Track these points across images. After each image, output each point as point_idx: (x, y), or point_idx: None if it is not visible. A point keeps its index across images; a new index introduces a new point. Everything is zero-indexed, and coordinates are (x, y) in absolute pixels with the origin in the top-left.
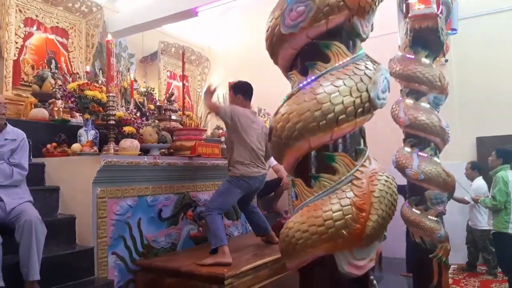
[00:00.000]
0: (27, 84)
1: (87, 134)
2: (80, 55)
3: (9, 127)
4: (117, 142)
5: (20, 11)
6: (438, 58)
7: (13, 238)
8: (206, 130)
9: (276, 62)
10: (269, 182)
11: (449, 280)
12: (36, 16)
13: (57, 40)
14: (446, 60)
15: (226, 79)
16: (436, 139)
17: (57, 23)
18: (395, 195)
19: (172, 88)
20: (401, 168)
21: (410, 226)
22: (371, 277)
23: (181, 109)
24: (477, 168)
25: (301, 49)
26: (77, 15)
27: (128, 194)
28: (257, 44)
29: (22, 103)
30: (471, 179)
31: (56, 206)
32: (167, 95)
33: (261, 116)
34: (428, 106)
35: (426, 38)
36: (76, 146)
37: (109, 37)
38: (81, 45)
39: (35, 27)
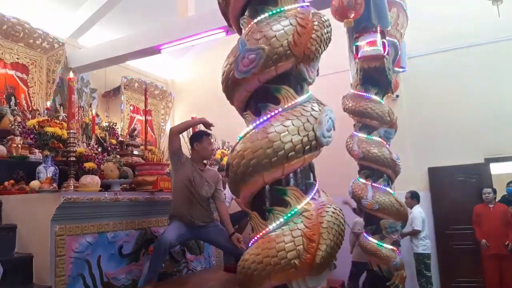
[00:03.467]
0: None
1: (46, 171)
2: (40, 90)
3: None
4: (77, 178)
5: None
6: (389, 94)
7: None
8: (168, 164)
9: (232, 103)
10: (233, 214)
11: None
12: None
13: (16, 75)
14: (397, 96)
15: (191, 112)
16: (388, 171)
17: (17, 58)
18: (343, 226)
19: (135, 123)
20: (357, 198)
21: (368, 254)
22: None
23: (143, 143)
24: (415, 197)
25: (254, 92)
26: (38, 51)
27: (88, 231)
28: (218, 78)
29: None
30: (410, 207)
31: (13, 245)
32: (129, 130)
33: (225, 149)
34: (379, 139)
35: (375, 76)
36: (34, 183)
37: (71, 74)
38: (41, 81)
39: None
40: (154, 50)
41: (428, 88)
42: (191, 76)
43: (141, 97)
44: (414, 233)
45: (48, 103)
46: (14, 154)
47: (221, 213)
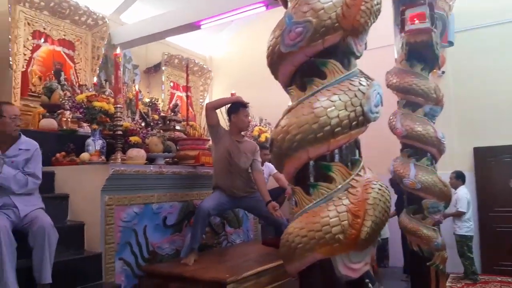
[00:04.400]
0: (35, 95)
1: (95, 144)
2: (86, 66)
3: (23, 137)
4: (123, 151)
5: (28, 24)
6: (434, 70)
7: (26, 243)
8: (209, 140)
9: (276, 78)
10: (271, 191)
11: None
12: (44, 29)
13: (64, 52)
14: (443, 72)
15: (229, 89)
16: (432, 149)
17: (64, 35)
18: (388, 203)
19: (176, 99)
20: (398, 177)
21: (408, 234)
22: (366, 280)
23: (185, 119)
24: (461, 178)
25: (300, 66)
26: (83, 28)
27: (134, 202)
28: (258, 54)
29: (30, 113)
30: (455, 187)
31: (66, 213)
32: (171, 106)
33: (263, 126)
34: (424, 117)
35: (421, 51)
36: (85, 155)
37: (118, 50)
38: (87, 57)
39: (42, 40)
40: (194, 26)
41: (475, 64)
42: (229, 52)
43: (181, 74)
44: (458, 215)
45: (95, 79)
46: (64, 127)
47: (258, 183)
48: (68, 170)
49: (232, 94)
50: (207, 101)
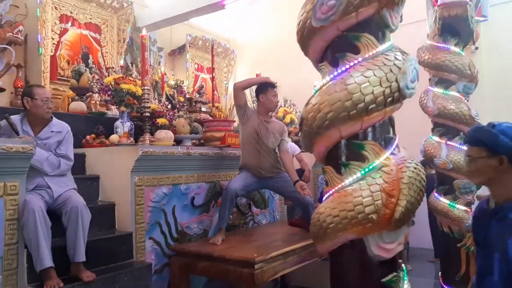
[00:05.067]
0: (64, 78)
1: (123, 126)
2: (112, 49)
3: (55, 120)
4: (151, 133)
5: (55, 8)
6: (468, 46)
7: (60, 222)
8: (234, 121)
9: (307, 54)
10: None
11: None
12: (71, 12)
13: (90, 35)
14: (476, 48)
15: (253, 70)
16: (465, 128)
17: (90, 19)
18: (423, 182)
19: (201, 81)
20: (429, 157)
21: (438, 216)
22: (400, 260)
23: (210, 101)
24: None
25: (332, 41)
26: (109, 11)
27: (163, 183)
28: (281, 35)
29: (60, 96)
30: None
31: (97, 194)
32: (197, 87)
33: (287, 107)
34: (457, 95)
35: (455, 26)
36: (114, 137)
37: (144, 32)
38: (113, 40)
39: (69, 24)
40: (218, 6)
41: (509, 40)
42: (253, 33)
43: (205, 55)
44: None
45: (121, 62)
46: (94, 110)
47: (286, 162)
48: (98, 152)
49: (257, 75)
50: (231, 82)
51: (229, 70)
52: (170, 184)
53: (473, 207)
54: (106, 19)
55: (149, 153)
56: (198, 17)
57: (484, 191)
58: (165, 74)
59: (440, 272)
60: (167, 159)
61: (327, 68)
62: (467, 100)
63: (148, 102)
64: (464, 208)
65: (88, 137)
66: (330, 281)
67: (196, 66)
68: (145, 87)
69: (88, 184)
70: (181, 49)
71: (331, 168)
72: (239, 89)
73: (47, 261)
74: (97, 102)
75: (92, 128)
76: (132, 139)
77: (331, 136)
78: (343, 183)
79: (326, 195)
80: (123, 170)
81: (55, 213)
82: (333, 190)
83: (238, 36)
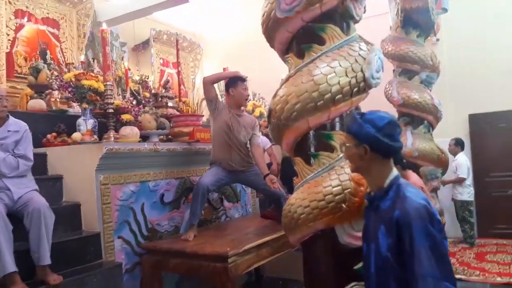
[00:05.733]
0: (21, 76)
1: (86, 123)
2: (72, 45)
3: (12, 119)
4: (115, 130)
5: (9, 2)
6: (429, 38)
7: (22, 225)
8: (203, 116)
9: (272, 46)
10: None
11: None
12: (27, 7)
13: (48, 31)
14: (438, 39)
15: (220, 64)
16: (429, 117)
17: (48, 13)
18: None
19: (167, 76)
20: None
21: None
22: None
23: (177, 95)
24: (460, 144)
25: (297, 33)
26: (67, 5)
27: (130, 180)
28: (248, 28)
29: (18, 95)
30: (454, 154)
31: (60, 194)
32: (163, 82)
33: (256, 101)
34: (420, 84)
35: (416, 18)
36: (77, 135)
37: (104, 26)
38: (72, 35)
39: (26, 19)
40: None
41: (469, 31)
42: (219, 27)
43: (170, 50)
44: (460, 181)
45: (82, 57)
46: (54, 108)
47: (256, 156)
48: (60, 151)
49: (224, 69)
50: (198, 77)
51: (195, 65)
52: (138, 181)
53: (439, 192)
54: (64, 14)
55: (114, 150)
56: (162, 11)
57: (448, 176)
58: (129, 69)
59: None
60: (133, 156)
61: (293, 59)
62: (430, 90)
63: (111, 98)
64: (430, 194)
65: (49, 135)
66: (303, 270)
67: (161, 61)
68: (108, 83)
69: (50, 184)
70: (145, 44)
71: (301, 159)
72: (209, 83)
73: (10, 265)
74: (58, 100)
75: (53, 126)
76: (96, 136)
77: (300, 127)
78: (312, 174)
79: (296, 186)
80: (88, 169)
81: (16, 216)
82: (303, 181)
83: (204, 30)
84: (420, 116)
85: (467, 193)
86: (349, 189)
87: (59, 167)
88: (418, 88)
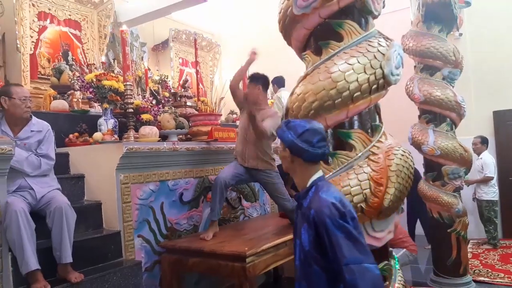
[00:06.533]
0: (45, 77)
1: (107, 123)
2: (93, 46)
3: (34, 119)
4: (136, 129)
5: (33, 5)
6: (452, 32)
7: (44, 224)
8: (221, 115)
9: (289, 44)
10: (279, 166)
11: (469, 254)
12: (49, 9)
13: (70, 32)
14: (460, 34)
15: (239, 63)
16: (451, 114)
17: (70, 15)
18: (412, 169)
19: (186, 75)
20: (417, 144)
21: (427, 202)
22: (390, 249)
23: (195, 95)
24: (485, 143)
25: (314, 29)
26: (88, 7)
27: (150, 179)
28: (266, 25)
29: (41, 95)
30: (479, 153)
31: (82, 193)
32: (181, 82)
33: (273, 99)
34: (443, 81)
35: (438, 12)
36: (97, 135)
37: (124, 27)
38: (94, 36)
39: (48, 21)
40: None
41: (493, 25)
42: (237, 26)
43: (189, 49)
44: (487, 180)
45: (103, 58)
46: (76, 108)
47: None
48: (82, 151)
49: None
50: (217, 75)
51: (214, 64)
52: (157, 180)
53: (462, 192)
54: (86, 15)
55: (134, 150)
56: (181, 11)
57: (473, 175)
58: (149, 69)
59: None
60: (152, 155)
61: (311, 57)
62: (453, 86)
63: (131, 98)
64: (453, 193)
65: (71, 135)
66: None
67: (180, 60)
68: (127, 83)
69: (72, 183)
70: (164, 44)
71: None
72: (233, 87)
73: (33, 263)
74: (79, 100)
75: (75, 126)
76: (116, 136)
77: None
78: (331, 173)
79: None
80: (108, 168)
81: (39, 215)
82: None
83: (222, 29)
84: (443, 114)
85: (492, 192)
86: (368, 189)
87: (81, 166)
88: (440, 84)
